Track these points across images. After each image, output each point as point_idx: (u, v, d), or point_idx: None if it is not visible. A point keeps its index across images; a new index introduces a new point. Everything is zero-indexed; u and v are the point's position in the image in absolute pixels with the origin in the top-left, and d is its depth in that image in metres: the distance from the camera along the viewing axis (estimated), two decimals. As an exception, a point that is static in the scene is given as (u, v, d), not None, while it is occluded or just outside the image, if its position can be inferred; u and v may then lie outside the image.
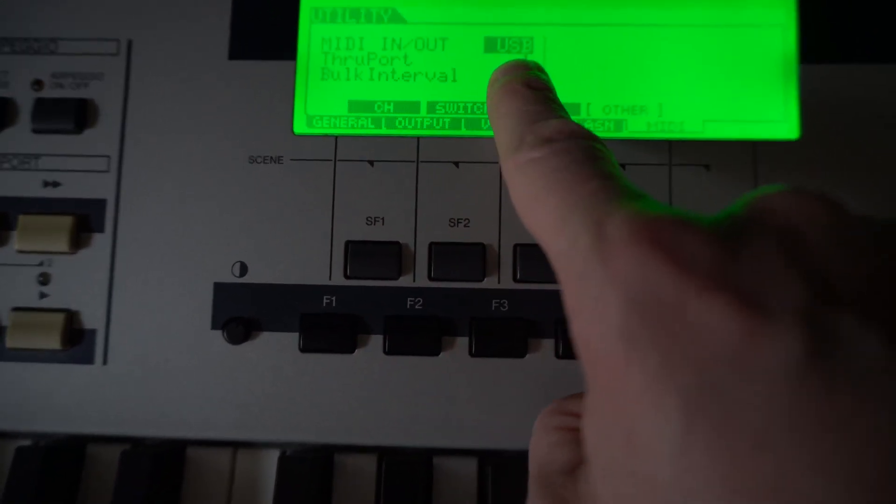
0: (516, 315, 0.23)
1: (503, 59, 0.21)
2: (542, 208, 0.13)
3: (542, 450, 0.14)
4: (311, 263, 0.24)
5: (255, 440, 0.24)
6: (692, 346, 0.09)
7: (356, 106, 0.25)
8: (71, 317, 0.25)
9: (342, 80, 0.25)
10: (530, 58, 0.23)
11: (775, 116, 0.24)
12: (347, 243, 0.24)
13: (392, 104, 0.25)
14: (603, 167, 0.13)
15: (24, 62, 0.26)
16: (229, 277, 0.24)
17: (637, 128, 0.24)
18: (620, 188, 0.12)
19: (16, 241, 0.25)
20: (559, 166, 0.13)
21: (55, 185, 0.25)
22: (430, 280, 0.24)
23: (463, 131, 0.25)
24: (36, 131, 0.25)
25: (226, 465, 0.25)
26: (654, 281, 0.10)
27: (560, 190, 0.13)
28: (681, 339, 0.09)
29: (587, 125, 0.21)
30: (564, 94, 0.21)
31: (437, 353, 0.23)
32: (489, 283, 0.24)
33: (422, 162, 0.24)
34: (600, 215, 0.11)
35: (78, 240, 0.25)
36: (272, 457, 0.25)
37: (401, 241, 0.24)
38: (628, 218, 0.11)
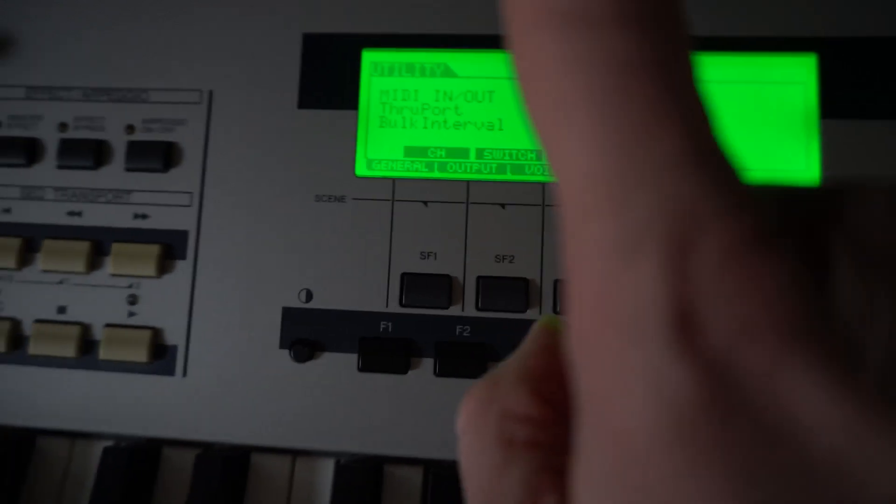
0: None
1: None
2: (572, 138, 0.08)
3: (483, 472, 0.10)
4: (370, 292, 0.27)
5: (314, 449, 0.27)
6: (792, 451, 0.07)
7: (412, 151, 0.28)
8: (156, 333, 0.28)
9: (399, 128, 0.28)
10: None
11: (798, 166, 0.26)
12: (403, 275, 0.27)
13: (444, 150, 0.27)
14: (691, 97, 0.08)
15: (119, 109, 0.29)
16: (296, 303, 0.27)
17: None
18: (718, 161, 0.08)
19: (109, 266, 0.28)
20: (616, 67, 0.08)
21: (144, 217, 0.29)
22: (477, 310, 0.26)
23: (509, 176, 0.27)
24: (128, 170, 0.29)
25: (286, 470, 0.28)
26: (737, 375, 0.07)
27: (614, 126, 0.08)
28: (771, 439, 0.07)
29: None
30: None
31: (482, 376, 0.26)
32: (531, 314, 0.26)
33: (471, 203, 0.27)
34: (686, 223, 0.07)
35: (163, 266, 0.28)
36: (328, 465, 0.27)
37: (451, 275, 0.27)
38: (732, 246, 0.07)
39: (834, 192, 0.09)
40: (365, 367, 0.26)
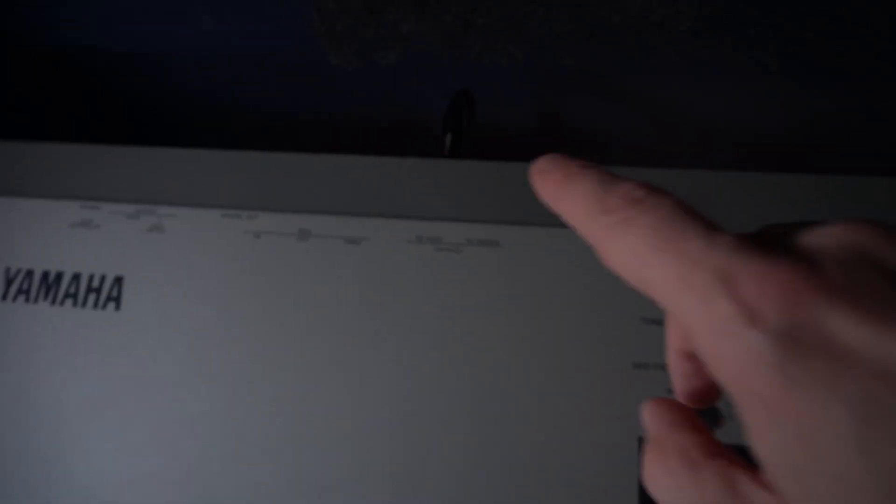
0: None
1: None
2: (652, 266, 0.14)
3: (686, 490, 0.15)
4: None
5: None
6: (847, 366, 0.11)
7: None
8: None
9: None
10: None
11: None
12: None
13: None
14: (701, 221, 0.14)
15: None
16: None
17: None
18: (730, 242, 0.13)
19: None
20: (658, 222, 0.14)
21: None
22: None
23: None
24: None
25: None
26: (799, 323, 0.12)
27: (668, 248, 0.14)
28: (836, 363, 0.11)
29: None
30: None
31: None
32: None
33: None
34: (727, 275, 0.13)
35: None
36: None
37: None
38: (759, 277, 0.12)
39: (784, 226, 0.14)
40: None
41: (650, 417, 0.17)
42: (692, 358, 0.17)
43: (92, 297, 0.33)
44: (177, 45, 0.49)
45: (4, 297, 0.34)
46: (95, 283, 0.34)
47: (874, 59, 0.42)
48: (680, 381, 0.17)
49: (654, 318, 0.30)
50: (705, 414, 0.17)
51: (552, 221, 0.31)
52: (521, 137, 0.52)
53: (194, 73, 0.51)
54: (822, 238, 0.13)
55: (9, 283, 0.34)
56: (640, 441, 0.28)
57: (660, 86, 0.47)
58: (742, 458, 0.14)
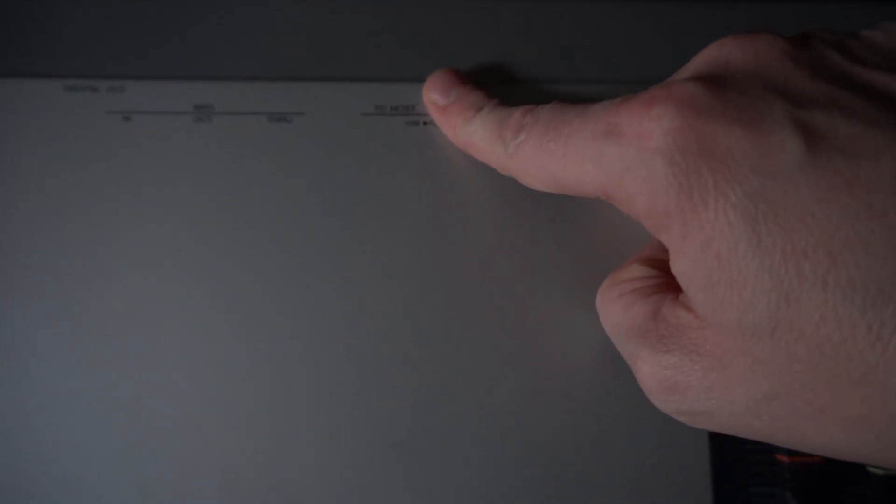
0: None
1: None
2: (558, 163, 0.15)
3: (617, 315, 0.16)
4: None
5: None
6: (732, 172, 0.12)
7: None
8: None
9: None
10: None
11: None
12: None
13: None
14: (574, 108, 0.16)
15: None
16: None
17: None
18: (602, 104, 0.15)
19: None
20: (543, 130, 0.16)
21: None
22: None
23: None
24: None
25: None
26: (682, 138, 0.13)
27: (561, 141, 0.15)
28: (722, 170, 0.12)
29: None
30: None
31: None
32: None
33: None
34: (606, 129, 0.14)
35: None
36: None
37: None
38: (629, 112, 0.14)
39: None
40: None
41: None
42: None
43: None
44: None
45: None
46: None
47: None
48: None
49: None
50: None
51: (554, 77, 0.22)
52: None
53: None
54: (709, 57, 0.14)
55: None
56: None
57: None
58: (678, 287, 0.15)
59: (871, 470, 0.20)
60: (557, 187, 0.16)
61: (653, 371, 0.14)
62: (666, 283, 0.16)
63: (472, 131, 0.19)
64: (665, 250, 0.17)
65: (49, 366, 0.20)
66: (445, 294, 0.21)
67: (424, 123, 0.22)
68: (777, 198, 0.12)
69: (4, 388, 0.20)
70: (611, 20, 0.23)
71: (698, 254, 0.13)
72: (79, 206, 0.21)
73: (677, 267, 0.14)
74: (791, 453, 0.20)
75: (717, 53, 0.14)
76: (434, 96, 0.20)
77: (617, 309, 0.16)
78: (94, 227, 0.21)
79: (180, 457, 0.20)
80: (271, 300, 0.21)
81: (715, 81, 0.13)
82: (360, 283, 0.21)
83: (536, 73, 0.23)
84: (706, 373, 0.13)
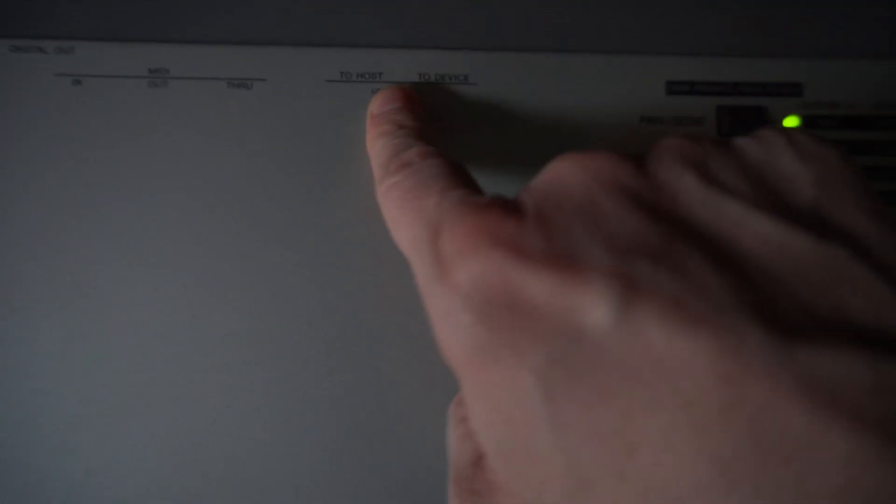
0: None
1: None
2: (401, 229, 0.14)
3: (453, 442, 0.14)
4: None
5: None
6: (532, 329, 0.10)
7: None
8: None
9: None
10: None
11: None
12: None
13: None
14: (449, 180, 0.14)
15: None
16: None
17: None
18: (457, 196, 0.13)
19: None
20: (411, 186, 0.14)
21: None
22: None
23: None
24: None
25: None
26: (490, 284, 0.11)
27: (411, 210, 0.13)
28: (522, 326, 0.10)
29: None
30: None
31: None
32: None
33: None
34: (434, 230, 0.12)
35: None
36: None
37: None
38: (452, 231, 0.12)
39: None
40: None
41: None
42: None
43: None
44: None
45: None
46: None
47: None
48: None
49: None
50: None
51: (532, 45, 0.21)
52: None
53: None
54: (547, 177, 0.12)
55: None
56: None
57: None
58: None
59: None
60: (401, 250, 0.15)
61: None
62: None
63: (376, 149, 0.17)
64: None
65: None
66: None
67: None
68: (580, 366, 0.10)
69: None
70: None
71: (489, 416, 0.11)
72: (24, 174, 0.20)
73: (472, 424, 0.12)
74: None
75: (554, 173, 0.12)
76: (372, 106, 0.20)
77: (455, 436, 0.14)
78: (41, 196, 0.20)
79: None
80: (230, 272, 0.20)
81: (539, 216, 0.11)
82: (322, 252, 0.20)
83: (509, 39, 0.22)
84: None
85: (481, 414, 0.11)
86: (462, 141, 0.21)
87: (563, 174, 0.12)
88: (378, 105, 0.20)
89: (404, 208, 0.14)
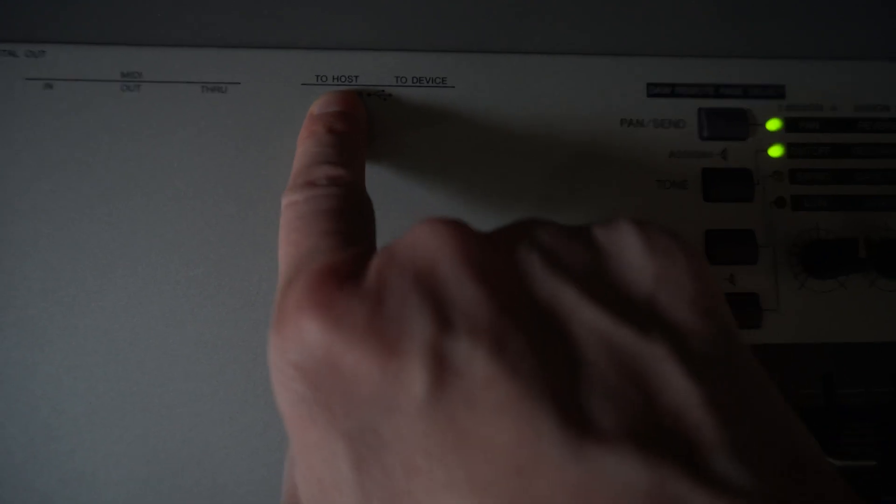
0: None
1: None
2: (279, 254, 0.14)
3: (283, 486, 0.14)
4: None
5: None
6: (348, 395, 0.11)
7: None
8: None
9: None
10: None
11: None
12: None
13: None
14: (332, 222, 0.14)
15: None
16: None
17: None
18: (324, 246, 0.13)
19: None
20: (301, 215, 0.14)
21: None
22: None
23: None
24: None
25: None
26: (313, 346, 0.11)
27: (288, 243, 0.14)
28: (339, 391, 0.11)
29: None
30: None
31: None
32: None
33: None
34: (290, 278, 0.12)
35: None
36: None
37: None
38: (297, 283, 0.12)
39: None
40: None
41: None
42: None
43: None
44: None
45: None
46: None
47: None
48: None
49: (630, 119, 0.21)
50: None
51: (511, 47, 0.21)
52: None
53: None
54: (407, 238, 0.12)
55: None
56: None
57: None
58: None
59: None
60: None
61: None
62: None
63: (300, 149, 0.18)
64: None
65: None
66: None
67: (368, 95, 0.21)
68: (389, 437, 0.10)
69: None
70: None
71: (305, 472, 0.11)
72: (-4, 180, 0.20)
73: (295, 478, 0.12)
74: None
75: (411, 236, 0.12)
76: (314, 106, 0.20)
77: (284, 482, 0.14)
78: (11, 200, 0.20)
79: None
80: (205, 274, 0.20)
81: (378, 282, 0.11)
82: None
83: (487, 40, 0.22)
84: None
85: (301, 470, 0.12)
86: (440, 144, 0.21)
87: (419, 237, 0.12)
88: (319, 106, 0.20)
89: (288, 237, 0.14)
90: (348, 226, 0.14)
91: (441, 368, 0.10)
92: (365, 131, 0.19)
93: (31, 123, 0.20)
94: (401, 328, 0.11)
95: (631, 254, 0.12)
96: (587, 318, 0.11)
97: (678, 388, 0.10)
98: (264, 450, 0.19)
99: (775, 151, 0.21)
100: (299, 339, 0.11)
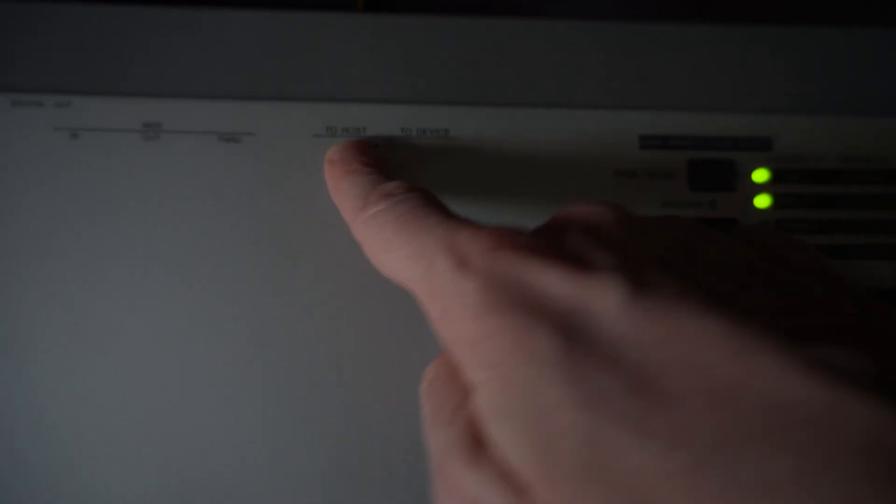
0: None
1: None
2: (395, 248, 0.15)
3: (437, 422, 0.15)
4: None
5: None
6: (545, 307, 0.12)
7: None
8: None
9: None
10: None
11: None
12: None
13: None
14: (440, 209, 0.15)
15: None
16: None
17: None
18: (459, 220, 0.15)
19: None
20: (403, 212, 0.15)
21: None
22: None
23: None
24: None
25: None
26: (503, 270, 0.13)
27: (408, 230, 0.15)
28: (534, 304, 0.12)
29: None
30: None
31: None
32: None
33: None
34: (449, 240, 0.14)
35: None
36: None
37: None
38: (473, 236, 0.13)
39: None
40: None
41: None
42: None
43: None
44: None
45: None
46: None
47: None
48: None
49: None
50: None
51: (509, 100, 0.22)
52: None
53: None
54: (556, 216, 0.15)
55: None
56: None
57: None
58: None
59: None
60: (380, 267, 0.16)
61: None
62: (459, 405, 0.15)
63: (346, 184, 0.19)
64: None
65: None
66: (405, 305, 0.21)
67: (376, 146, 0.22)
68: (593, 335, 0.12)
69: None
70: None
71: (500, 385, 0.12)
72: (25, 226, 0.21)
73: (476, 399, 0.13)
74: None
75: (562, 211, 0.15)
76: (330, 153, 0.21)
77: (436, 416, 0.14)
78: (41, 246, 0.21)
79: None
80: (222, 323, 0.21)
81: (550, 228, 0.14)
82: (309, 301, 0.21)
83: (487, 94, 0.23)
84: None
85: (488, 384, 0.12)
86: (441, 192, 0.22)
87: (571, 209, 0.15)
88: (338, 152, 0.20)
89: (400, 230, 0.15)
90: (457, 214, 0.15)
91: (635, 283, 0.12)
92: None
93: (59, 172, 0.21)
94: (587, 257, 0.13)
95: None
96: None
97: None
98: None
99: (762, 202, 0.22)
100: (490, 268, 0.13)
